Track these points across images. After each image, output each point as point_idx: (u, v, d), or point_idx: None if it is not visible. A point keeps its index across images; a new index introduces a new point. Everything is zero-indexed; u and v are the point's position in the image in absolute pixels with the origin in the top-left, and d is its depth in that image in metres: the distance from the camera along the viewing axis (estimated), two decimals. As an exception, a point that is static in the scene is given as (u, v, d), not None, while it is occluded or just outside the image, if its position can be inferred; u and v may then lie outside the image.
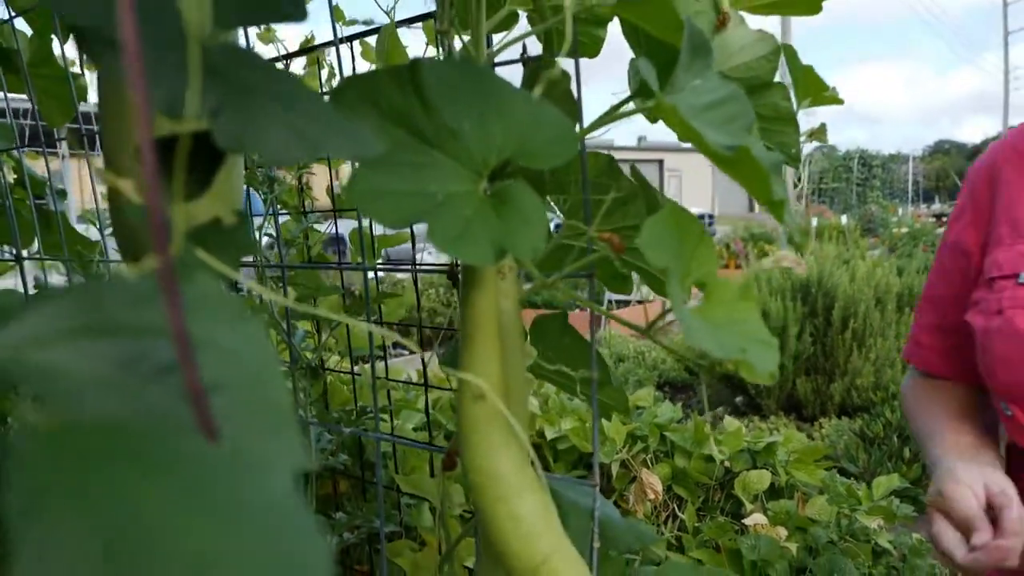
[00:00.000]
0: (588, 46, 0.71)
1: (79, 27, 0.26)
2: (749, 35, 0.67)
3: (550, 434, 1.81)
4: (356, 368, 1.32)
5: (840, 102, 0.76)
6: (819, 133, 0.73)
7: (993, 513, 0.65)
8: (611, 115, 0.51)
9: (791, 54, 0.73)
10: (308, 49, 1.28)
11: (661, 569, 0.72)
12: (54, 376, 0.20)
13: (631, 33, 0.65)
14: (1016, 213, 0.78)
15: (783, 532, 1.57)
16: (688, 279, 0.44)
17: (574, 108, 0.59)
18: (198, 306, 0.22)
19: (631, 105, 0.53)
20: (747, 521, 1.64)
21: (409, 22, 0.94)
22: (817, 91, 0.73)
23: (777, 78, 0.66)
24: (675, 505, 1.78)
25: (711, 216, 15.35)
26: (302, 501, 0.19)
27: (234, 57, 0.33)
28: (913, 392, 0.90)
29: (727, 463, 1.77)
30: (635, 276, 0.75)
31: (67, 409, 0.19)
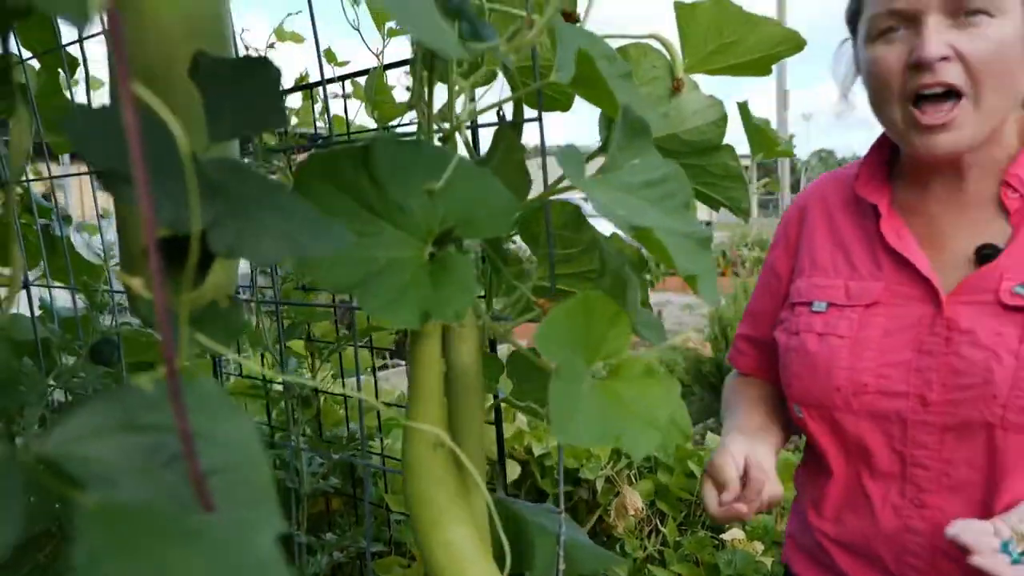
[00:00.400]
0: (560, 101, 0.77)
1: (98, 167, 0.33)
2: (701, 100, 0.73)
3: (537, 451, 1.87)
4: (348, 389, 1.38)
5: (791, 155, 0.83)
6: (771, 184, 0.80)
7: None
8: (555, 188, 0.58)
9: (745, 113, 0.79)
10: (302, 87, 1.34)
11: None
12: (95, 464, 0.26)
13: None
14: (815, 250, 0.91)
15: (759, 547, 1.64)
16: (596, 358, 0.50)
17: (525, 179, 0.65)
18: (200, 405, 0.28)
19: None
20: (725, 536, 1.70)
21: (395, 66, 1.01)
22: (770, 146, 0.80)
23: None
24: (658, 520, 1.84)
25: (708, 222, 15.48)
26: (280, 557, 0.25)
27: (227, 170, 0.39)
28: (732, 386, 1.04)
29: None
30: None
31: (105, 490, 0.26)
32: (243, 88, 0.43)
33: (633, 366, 0.53)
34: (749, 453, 0.82)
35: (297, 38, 1.40)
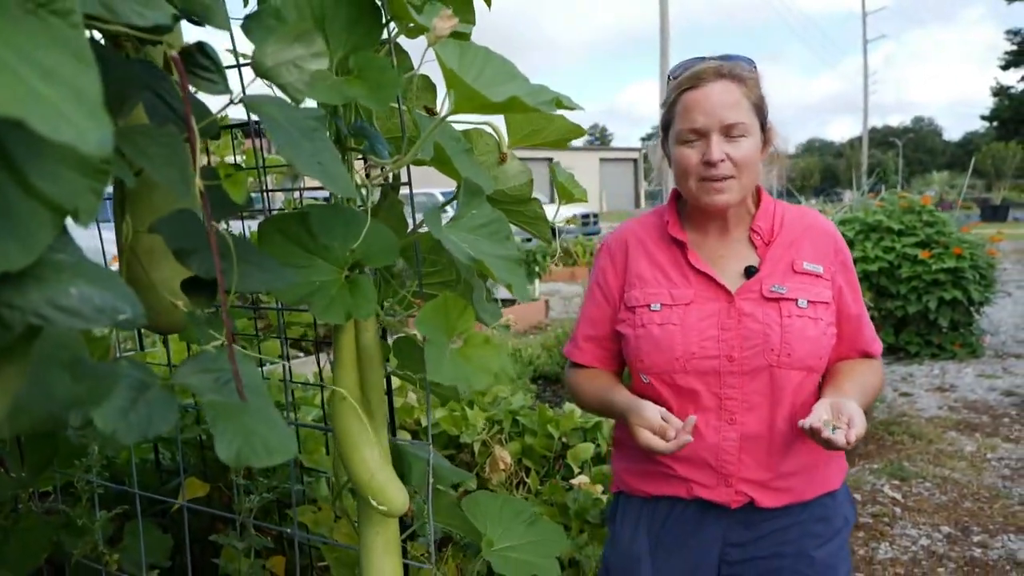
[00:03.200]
0: (425, 162, 1.11)
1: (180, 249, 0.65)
2: (518, 167, 1.10)
3: (424, 422, 2.22)
4: (265, 371, 1.68)
5: (585, 200, 1.21)
6: (574, 220, 1.18)
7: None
8: (418, 228, 0.93)
9: (553, 171, 1.16)
10: (226, 127, 1.63)
11: (472, 496, 1.15)
12: (194, 386, 0.60)
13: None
14: (640, 270, 1.33)
15: (599, 488, 2.05)
16: (453, 334, 0.85)
17: (404, 224, 1.00)
18: (237, 357, 0.62)
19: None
20: (574, 482, 2.11)
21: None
22: (569, 195, 1.17)
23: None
24: (524, 473, 2.23)
25: (595, 215, 15.96)
26: (278, 414, 0.59)
27: (234, 240, 0.72)
28: (576, 376, 1.42)
29: (564, 439, 2.24)
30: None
31: (206, 396, 0.59)
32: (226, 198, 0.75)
33: (476, 338, 0.89)
34: (660, 410, 1.21)
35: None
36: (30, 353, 0.47)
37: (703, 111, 1.23)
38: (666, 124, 1.32)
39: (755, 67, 1.31)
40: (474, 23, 1.05)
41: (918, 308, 5.47)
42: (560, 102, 0.77)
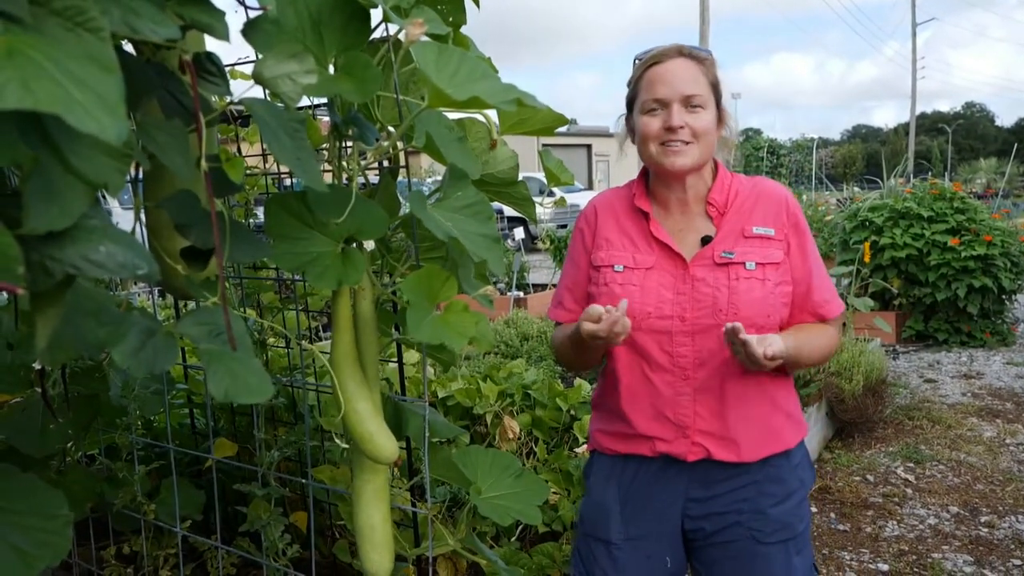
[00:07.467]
0: (420, 149, 1.22)
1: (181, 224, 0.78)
2: (507, 153, 1.21)
3: (441, 393, 2.35)
4: (292, 345, 1.82)
5: (571, 182, 1.31)
6: (560, 202, 1.29)
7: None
8: (409, 214, 1.04)
9: (545, 155, 1.27)
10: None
11: (464, 450, 1.27)
12: (193, 336, 0.73)
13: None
14: (609, 235, 1.45)
15: (601, 457, 2.16)
16: (436, 301, 0.97)
17: (397, 203, 1.11)
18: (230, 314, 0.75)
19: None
20: (578, 450, 2.22)
21: (319, 106, 1.45)
22: (557, 179, 1.28)
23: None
24: (533, 443, 2.34)
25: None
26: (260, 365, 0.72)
27: (231, 223, 0.85)
28: (555, 332, 1.55)
29: (572, 411, 2.35)
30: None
31: (202, 344, 0.72)
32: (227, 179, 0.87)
33: (456, 305, 1.01)
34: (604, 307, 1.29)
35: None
36: (65, 297, 0.60)
37: (665, 83, 1.36)
38: (631, 100, 1.44)
39: (712, 56, 1.42)
40: (465, 23, 1.16)
41: (947, 295, 5.44)
42: (521, 101, 0.88)
